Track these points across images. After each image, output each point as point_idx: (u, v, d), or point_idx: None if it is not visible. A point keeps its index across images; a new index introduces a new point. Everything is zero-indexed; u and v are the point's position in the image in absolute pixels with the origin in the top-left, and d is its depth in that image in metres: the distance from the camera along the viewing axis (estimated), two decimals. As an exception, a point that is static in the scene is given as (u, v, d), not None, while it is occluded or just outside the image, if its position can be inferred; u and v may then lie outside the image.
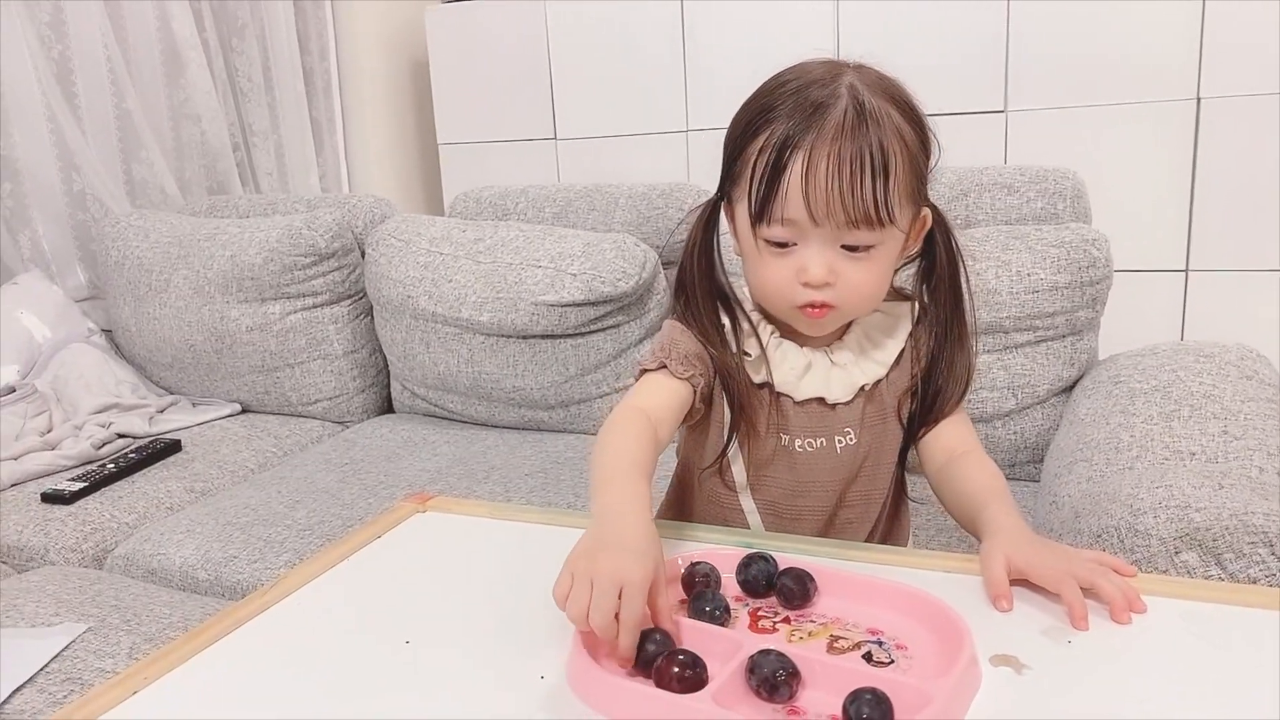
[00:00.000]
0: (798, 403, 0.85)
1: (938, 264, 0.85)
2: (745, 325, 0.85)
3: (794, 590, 0.63)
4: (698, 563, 0.67)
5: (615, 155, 2.44)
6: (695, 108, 2.31)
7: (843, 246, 0.76)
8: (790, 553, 0.71)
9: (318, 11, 2.49)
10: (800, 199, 0.74)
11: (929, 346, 0.87)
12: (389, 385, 1.90)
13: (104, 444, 1.64)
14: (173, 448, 1.66)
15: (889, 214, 0.75)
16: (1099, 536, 0.96)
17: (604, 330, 1.61)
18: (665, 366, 0.81)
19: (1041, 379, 1.35)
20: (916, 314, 0.88)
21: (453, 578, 0.75)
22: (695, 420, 0.85)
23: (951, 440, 0.88)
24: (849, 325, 0.87)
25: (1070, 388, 1.38)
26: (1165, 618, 0.63)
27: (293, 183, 2.46)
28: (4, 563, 1.39)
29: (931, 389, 0.87)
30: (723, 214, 0.85)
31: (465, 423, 1.78)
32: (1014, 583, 0.66)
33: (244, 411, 1.89)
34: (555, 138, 2.50)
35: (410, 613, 0.70)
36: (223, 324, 1.80)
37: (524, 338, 1.63)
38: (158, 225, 1.91)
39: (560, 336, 1.61)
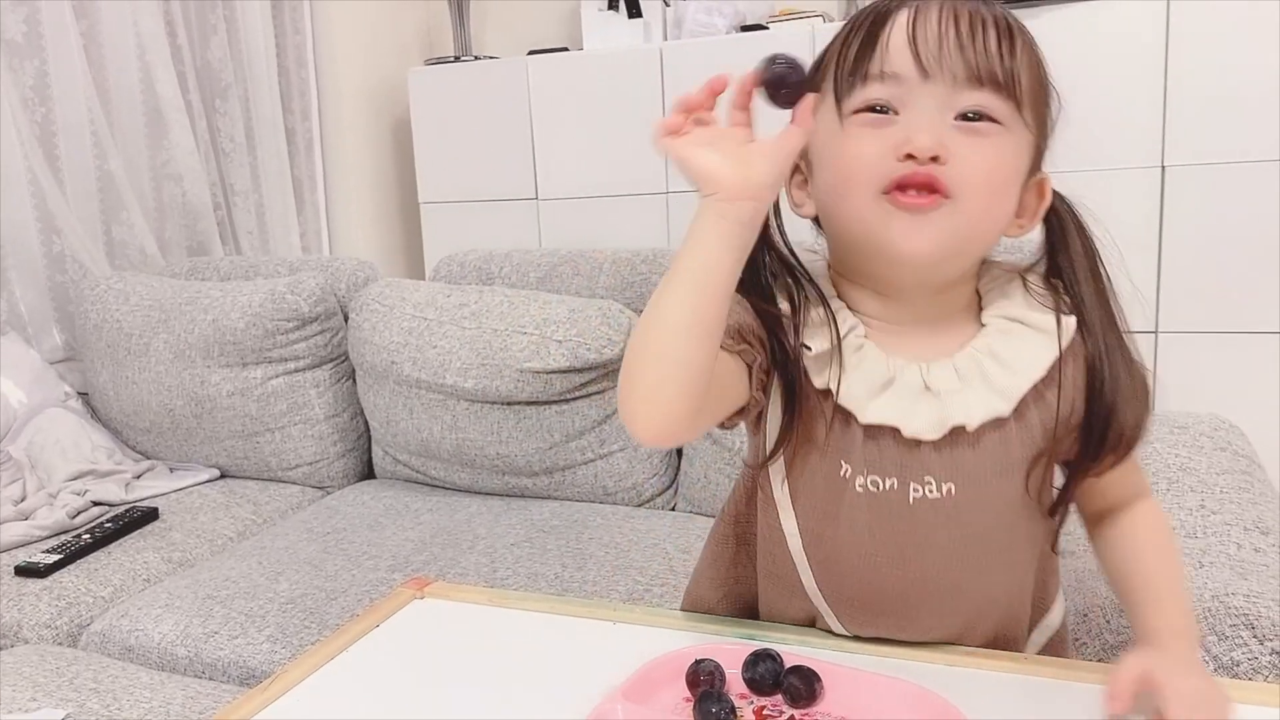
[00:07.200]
0: (865, 427, 0.66)
1: (1071, 250, 0.68)
2: (818, 312, 0.66)
3: (800, 689, 0.64)
4: (702, 660, 0.67)
5: (596, 216, 2.46)
6: (675, 169, 2.35)
7: (959, 118, 0.61)
8: (794, 646, 0.71)
9: (301, 72, 2.51)
10: (906, 47, 0.61)
11: (1085, 358, 0.66)
12: (370, 450, 1.89)
13: (79, 512, 1.61)
14: (150, 516, 1.63)
15: (1015, 81, 0.61)
16: (1085, 615, 0.97)
17: (589, 396, 1.62)
18: None
19: (1022, 447, 1.38)
20: (1071, 334, 0.66)
21: (455, 671, 0.74)
22: (753, 415, 0.68)
23: (1114, 484, 0.70)
24: (970, 336, 0.67)
25: (1049, 456, 1.40)
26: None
27: (273, 242, 2.46)
28: (-24, 640, 1.36)
29: (1100, 415, 0.66)
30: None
31: (448, 489, 1.77)
32: None
33: (222, 476, 1.87)
34: (537, 198, 2.52)
35: (413, 710, 0.69)
36: (203, 388, 1.78)
37: (508, 404, 1.63)
38: (138, 288, 1.90)
39: (545, 403, 1.62)
